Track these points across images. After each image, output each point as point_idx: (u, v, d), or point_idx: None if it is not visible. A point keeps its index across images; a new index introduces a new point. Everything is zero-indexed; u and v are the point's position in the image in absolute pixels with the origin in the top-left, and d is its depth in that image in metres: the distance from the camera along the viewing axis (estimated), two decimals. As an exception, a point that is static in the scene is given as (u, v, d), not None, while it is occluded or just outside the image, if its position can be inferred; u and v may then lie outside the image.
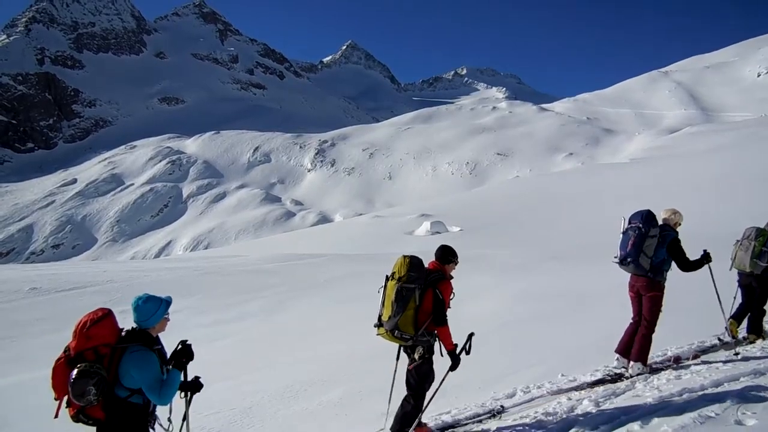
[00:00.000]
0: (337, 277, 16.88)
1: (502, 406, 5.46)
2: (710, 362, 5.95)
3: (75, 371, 3.37)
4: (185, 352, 3.76)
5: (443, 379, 4.86)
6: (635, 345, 5.81)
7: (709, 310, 6.67)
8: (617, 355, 6.00)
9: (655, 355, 6.32)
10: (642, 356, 5.76)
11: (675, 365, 5.96)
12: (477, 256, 20.42)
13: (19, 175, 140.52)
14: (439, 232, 32.24)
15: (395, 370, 5.04)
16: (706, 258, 5.86)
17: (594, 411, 4.84)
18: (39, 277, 17.70)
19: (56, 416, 3.51)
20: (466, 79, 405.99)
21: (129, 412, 3.52)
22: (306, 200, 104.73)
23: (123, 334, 3.66)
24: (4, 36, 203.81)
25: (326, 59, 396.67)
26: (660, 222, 5.81)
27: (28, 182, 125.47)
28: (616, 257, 5.86)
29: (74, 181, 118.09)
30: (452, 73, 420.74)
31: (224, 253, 36.26)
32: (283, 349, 9.64)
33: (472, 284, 13.71)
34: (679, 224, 5.95)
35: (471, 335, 4.77)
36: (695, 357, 6.26)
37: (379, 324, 4.69)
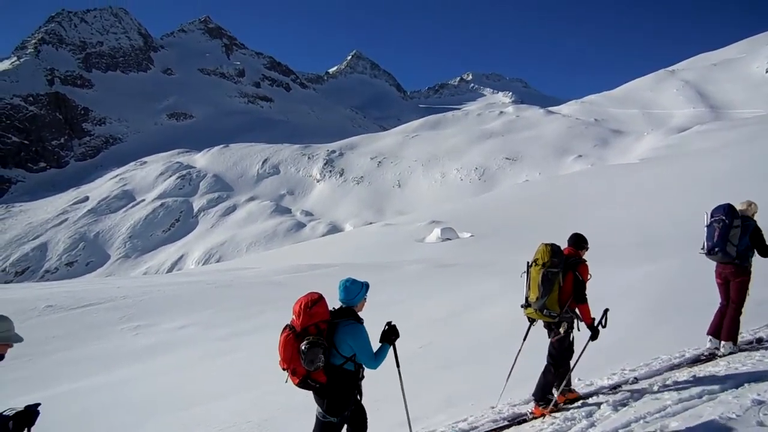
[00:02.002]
0: (349, 287, 16.85)
1: (519, 414, 5.42)
2: (730, 363, 5.88)
3: (305, 343, 4.00)
4: (393, 331, 4.37)
5: (583, 350, 5.45)
6: (725, 326, 6.28)
7: None
8: (710, 337, 6.41)
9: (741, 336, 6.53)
10: (732, 336, 6.23)
11: (758, 345, 6.34)
12: (489, 262, 20.35)
13: (32, 194, 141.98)
14: (450, 239, 32.16)
15: (519, 351, 5.73)
16: None
17: (613, 416, 4.79)
18: (54, 295, 17.84)
19: (286, 381, 4.26)
20: (472, 84, 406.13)
21: (344, 376, 4.19)
22: (316, 211, 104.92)
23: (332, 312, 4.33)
24: (15, 58, 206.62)
25: (332, 70, 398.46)
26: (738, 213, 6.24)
27: (41, 201, 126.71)
28: (702, 249, 6.38)
29: (86, 198, 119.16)
30: (458, 79, 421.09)
31: (236, 266, 36.38)
32: (297, 360, 9.63)
33: (484, 289, 13.66)
34: (756, 213, 6.36)
35: (606, 311, 5.25)
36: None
37: (527, 305, 5.37)
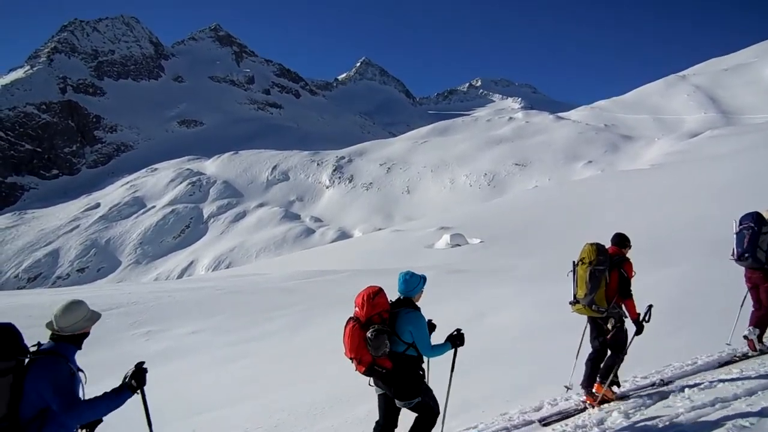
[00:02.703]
0: (359, 293, 16.85)
1: (532, 421, 5.39)
2: (743, 370, 5.82)
3: (371, 331, 4.28)
4: (461, 338, 4.72)
5: (630, 343, 5.63)
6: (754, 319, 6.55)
7: None
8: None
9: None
10: (762, 330, 6.51)
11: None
12: (498, 268, 20.29)
13: (44, 201, 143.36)
14: (459, 245, 32.10)
15: (581, 343, 6.04)
16: None
17: (625, 423, 4.76)
18: (65, 301, 17.98)
19: (357, 370, 4.48)
20: (481, 90, 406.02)
21: (407, 362, 4.45)
22: (325, 217, 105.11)
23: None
24: (28, 67, 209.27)
25: (341, 76, 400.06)
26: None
27: (53, 208, 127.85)
28: (732, 255, 6.59)
29: (97, 205, 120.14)
30: (467, 85, 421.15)
31: (246, 272, 36.50)
32: (307, 366, 9.64)
33: (495, 295, 13.61)
34: None
35: (650, 306, 5.45)
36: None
37: (575, 301, 5.64)
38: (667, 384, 5.72)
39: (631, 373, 6.28)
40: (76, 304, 3.63)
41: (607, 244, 5.83)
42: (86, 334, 3.70)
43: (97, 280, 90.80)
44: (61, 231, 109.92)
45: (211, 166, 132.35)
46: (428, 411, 4.56)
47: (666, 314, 6.80)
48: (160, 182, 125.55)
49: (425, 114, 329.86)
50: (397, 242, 37.80)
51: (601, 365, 5.64)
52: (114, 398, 3.50)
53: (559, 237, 26.94)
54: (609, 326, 5.61)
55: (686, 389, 5.44)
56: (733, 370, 5.90)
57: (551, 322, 9.72)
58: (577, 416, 5.24)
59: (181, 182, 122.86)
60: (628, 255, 5.80)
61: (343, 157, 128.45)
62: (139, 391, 3.66)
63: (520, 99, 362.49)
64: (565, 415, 5.40)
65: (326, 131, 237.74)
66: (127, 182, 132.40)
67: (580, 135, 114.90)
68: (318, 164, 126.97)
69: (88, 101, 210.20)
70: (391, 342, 4.38)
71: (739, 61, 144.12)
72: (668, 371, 6.22)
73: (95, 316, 3.73)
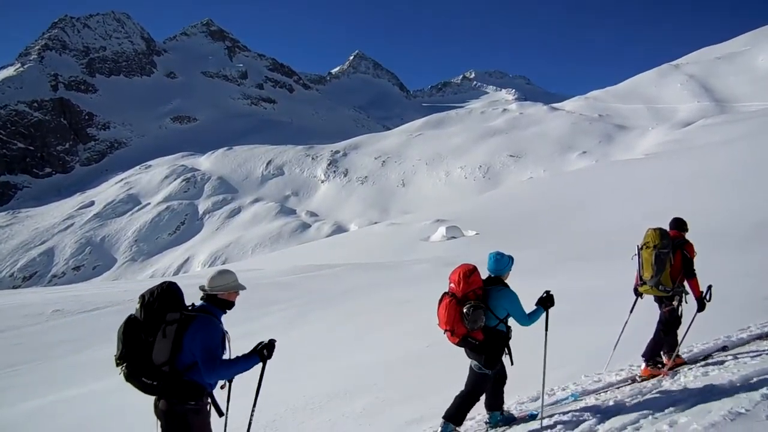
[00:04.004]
0: (355, 287, 16.89)
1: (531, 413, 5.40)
2: (738, 356, 5.86)
3: (468, 306, 4.63)
4: (550, 299, 4.93)
5: (691, 321, 5.98)
6: None
7: None
8: None
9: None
10: None
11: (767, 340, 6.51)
12: (494, 260, 20.29)
13: (38, 200, 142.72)
14: (455, 237, 32.15)
15: (626, 322, 6.34)
16: None
17: (621, 412, 4.78)
18: (61, 299, 17.94)
19: (453, 342, 4.86)
20: (474, 82, 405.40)
21: (497, 336, 4.84)
22: (321, 211, 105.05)
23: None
24: (19, 65, 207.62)
25: (334, 70, 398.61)
26: None
27: (47, 206, 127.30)
28: None
29: (92, 203, 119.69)
30: (460, 77, 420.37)
31: (242, 268, 36.45)
32: (304, 361, 9.64)
33: (490, 288, 13.61)
34: None
35: (710, 286, 5.86)
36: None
37: (642, 283, 5.99)
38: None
39: (626, 362, 6.30)
40: (227, 271, 4.11)
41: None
42: (232, 303, 4.08)
43: (92, 278, 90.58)
44: (55, 229, 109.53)
45: (205, 162, 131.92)
46: (502, 376, 5.10)
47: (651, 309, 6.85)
48: (154, 179, 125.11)
49: (419, 107, 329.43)
50: (393, 236, 37.82)
51: (654, 344, 5.99)
52: (244, 362, 3.89)
53: (555, 228, 27.00)
54: (674, 303, 5.92)
55: (684, 377, 5.46)
56: (729, 358, 5.93)
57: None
58: (573, 405, 5.25)
59: (175, 179, 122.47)
60: (687, 237, 6.15)
61: (337, 152, 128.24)
62: (264, 361, 4.01)
63: (513, 90, 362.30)
64: (562, 405, 5.43)
65: (320, 125, 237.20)
66: (121, 179, 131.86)
67: (574, 126, 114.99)
68: (313, 159, 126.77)
69: (81, 98, 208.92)
70: (486, 317, 4.74)
71: (731, 49, 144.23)
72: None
73: (241, 287, 4.11)
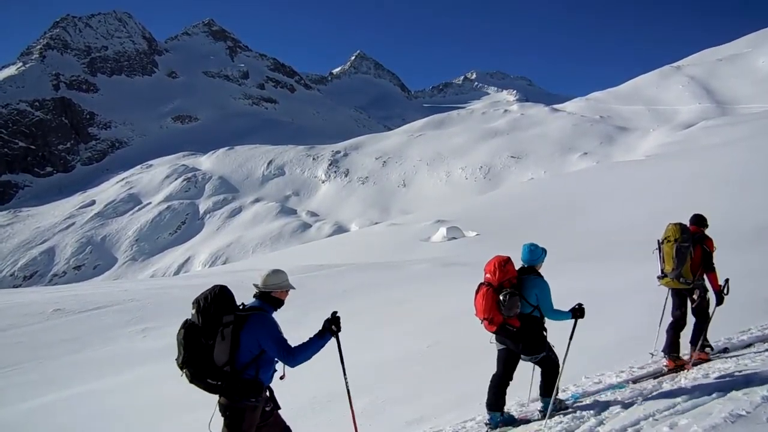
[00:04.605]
0: (356, 287, 16.89)
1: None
2: (739, 358, 5.85)
3: (504, 294, 4.85)
4: (581, 312, 5.00)
5: (712, 315, 6.20)
6: None
7: None
8: None
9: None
10: None
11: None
12: (495, 261, 20.26)
13: (39, 199, 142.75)
14: (456, 238, 32.13)
15: (662, 313, 6.55)
16: None
17: (622, 413, 4.77)
18: (62, 298, 17.94)
19: (487, 329, 5.13)
20: (476, 83, 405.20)
21: (533, 322, 5.05)
22: (321, 211, 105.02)
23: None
24: (20, 64, 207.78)
25: (336, 70, 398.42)
26: None
27: (48, 206, 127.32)
28: None
29: (93, 202, 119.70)
30: (462, 78, 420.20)
31: (242, 268, 36.47)
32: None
33: (491, 289, 13.60)
34: None
35: (727, 280, 6.04)
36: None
37: (663, 275, 6.24)
38: (665, 374, 5.73)
39: (626, 363, 6.30)
40: (280, 270, 4.26)
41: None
42: (282, 302, 4.24)
43: (93, 278, 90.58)
44: (56, 229, 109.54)
45: (206, 162, 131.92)
46: (552, 363, 5.15)
47: (660, 306, 6.83)
48: (155, 179, 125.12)
49: (420, 107, 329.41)
50: (394, 236, 37.81)
51: (684, 333, 6.19)
52: (319, 341, 4.12)
53: (556, 229, 26.98)
54: (695, 296, 6.15)
55: (684, 379, 5.46)
56: (729, 361, 5.93)
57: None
58: (574, 408, 5.24)
59: (176, 178, 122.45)
60: (706, 233, 6.40)
61: (338, 152, 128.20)
62: (336, 335, 4.28)
63: (515, 91, 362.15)
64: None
65: (321, 125, 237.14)
66: (122, 179, 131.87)
67: (575, 127, 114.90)
68: (313, 159, 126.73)
69: (82, 98, 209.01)
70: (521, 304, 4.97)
71: (733, 51, 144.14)
72: (665, 361, 6.23)
73: (291, 286, 4.26)
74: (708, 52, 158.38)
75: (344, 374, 4.73)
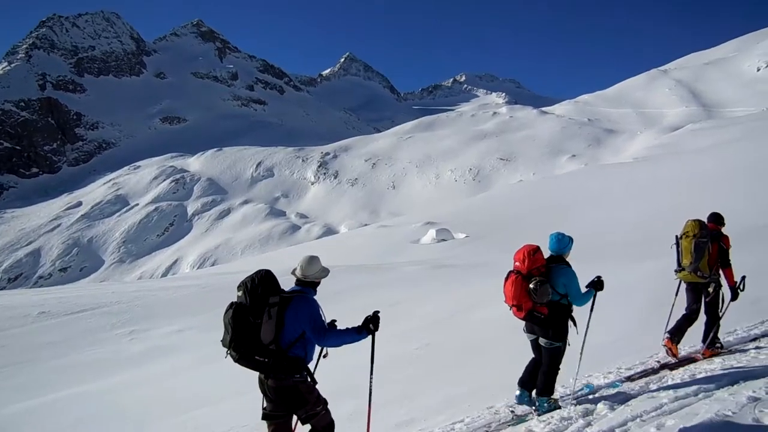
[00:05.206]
0: (347, 289, 16.86)
1: (515, 415, 5.41)
2: (725, 359, 5.91)
3: (535, 282, 5.02)
4: (601, 284, 5.41)
5: (726, 308, 6.46)
6: None
7: None
8: None
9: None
10: None
11: (753, 343, 6.74)
12: (484, 262, 20.37)
13: (24, 200, 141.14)
14: (445, 240, 32.18)
15: (673, 306, 6.78)
16: None
17: (609, 414, 4.80)
18: (47, 301, 17.75)
19: (515, 316, 5.29)
20: (465, 85, 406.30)
21: (561, 309, 5.20)
22: (311, 213, 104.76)
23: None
24: (6, 63, 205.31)
25: (325, 72, 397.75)
26: None
27: (34, 207, 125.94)
28: None
29: (79, 203, 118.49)
30: (451, 80, 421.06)
31: (231, 270, 36.28)
32: (293, 363, 9.60)
33: (481, 290, 13.67)
34: None
35: (744, 277, 6.42)
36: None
37: (681, 269, 6.51)
38: (651, 375, 5.76)
39: (614, 365, 6.33)
40: (316, 257, 4.52)
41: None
42: (319, 283, 4.53)
43: (79, 280, 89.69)
44: (42, 230, 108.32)
45: (194, 163, 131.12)
46: (556, 361, 5.28)
47: (650, 307, 6.89)
48: (143, 180, 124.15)
49: (410, 109, 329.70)
50: (383, 238, 37.79)
51: (694, 331, 6.40)
52: (354, 334, 4.39)
53: (544, 231, 26.94)
54: (710, 290, 6.39)
55: (671, 380, 5.50)
56: (716, 361, 5.99)
57: (537, 316, 9.76)
58: (563, 408, 5.26)
59: (164, 180, 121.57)
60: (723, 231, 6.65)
61: (327, 153, 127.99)
62: (373, 334, 4.52)
63: (504, 94, 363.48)
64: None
65: (311, 127, 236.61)
66: (110, 180, 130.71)
67: (563, 129, 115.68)
68: (303, 160, 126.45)
69: (69, 98, 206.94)
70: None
71: (719, 55, 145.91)
72: (652, 362, 6.28)
73: (327, 272, 4.56)
74: (694, 55, 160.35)
75: (371, 373, 4.92)
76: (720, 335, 6.83)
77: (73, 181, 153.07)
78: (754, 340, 6.71)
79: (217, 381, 9.30)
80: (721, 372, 5.40)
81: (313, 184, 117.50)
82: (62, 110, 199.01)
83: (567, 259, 5.39)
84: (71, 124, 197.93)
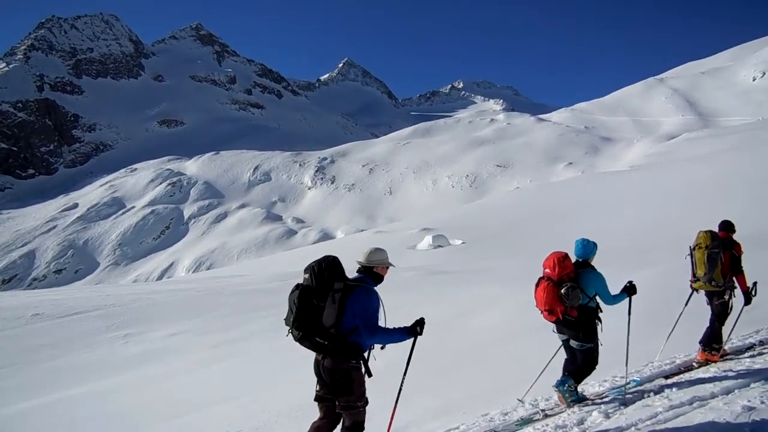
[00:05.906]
0: (341, 294, 16.77)
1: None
2: (720, 368, 5.91)
3: (566, 287, 5.20)
4: (633, 289, 5.62)
5: (739, 315, 6.67)
6: None
7: None
8: None
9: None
10: None
11: (748, 352, 6.79)
12: (481, 269, 20.37)
13: (20, 201, 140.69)
14: (442, 246, 32.18)
15: (682, 312, 6.95)
16: None
17: (604, 423, 4.80)
18: (42, 302, 17.67)
19: (549, 320, 5.52)
20: (463, 92, 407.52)
21: (590, 312, 5.42)
22: (307, 218, 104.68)
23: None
24: (4, 64, 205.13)
25: (323, 77, 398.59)
26: None
27: (30, 208, 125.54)
28: None
29: (75, 205, 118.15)
30: (449, 86, 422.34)
31: (227, 274, 36.20)
32: (288, 368, 9.57)
33: (477, 296, 13.66)
34: None
35: (755, 283, 6.54)
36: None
37: (696, 279, 6.66)
38: (646, 383, 5.77)
39: (610, 373, 6.33)
40: (381, 248, 4.62)
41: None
42: (382, 278, 4.61)
43: (74, 282, 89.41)
44: (37, 232, 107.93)
45: (191, 167, 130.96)
46: (592, 360, 5.48)
47: (645, 314, 6.90)
48: (139, 182, 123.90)
49: (407, 115, 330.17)
50: (380, 243, 37.49)
51: (692, 332, 6.55)
52: (399, 334, 4.51)
53: (541, 238, 27.12)
54: (726, 297, 6.53)
55: (666, 389, 5.50)
56: (711, 370, 5.99)
57: (533, 323, 9.76)
58: (557, 416, 5.25)
59: (161, 182, 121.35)
60: (735, 238, 6.75)
61: (325, 158, 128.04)
62: (416, 337, 4.66)
63: (501, 101, 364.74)
64: (545, 415, 5.44)
65: (308, 132, 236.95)
66: (106, 182, 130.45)
67: (560, 137, 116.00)
68: (300, 165, 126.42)
69: (66, 100, 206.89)
70: None
71: (715, 64, 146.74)
72: (647, 370, 6.29)
73: (391, 263, 4.65)
74: (691, 65, 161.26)
75: (404, 376, 5.04)
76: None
77: (69, 182, 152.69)
78: (749, 348, 6.72)
79: (211, 385, 9.27)
80: (716, 381, 5.40)
81: (309, 188, 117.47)
82: (60, 112, 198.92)
83: (592, 264, 5.60)
84: (68, 125, 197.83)
